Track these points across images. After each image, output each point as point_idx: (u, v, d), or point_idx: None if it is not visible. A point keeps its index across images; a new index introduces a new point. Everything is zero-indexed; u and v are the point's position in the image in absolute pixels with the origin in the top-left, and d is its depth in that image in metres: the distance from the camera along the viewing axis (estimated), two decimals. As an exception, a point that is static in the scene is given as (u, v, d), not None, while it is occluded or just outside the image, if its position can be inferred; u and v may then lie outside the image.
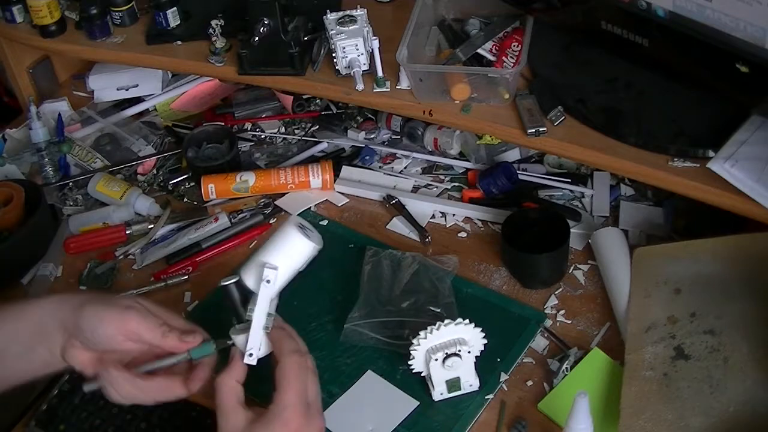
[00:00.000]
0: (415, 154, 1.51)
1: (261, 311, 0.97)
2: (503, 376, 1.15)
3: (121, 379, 0.97)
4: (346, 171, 1.49)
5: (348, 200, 1.46)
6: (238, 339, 0.98)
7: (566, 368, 1.14)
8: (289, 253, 0.98)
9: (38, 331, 0.99)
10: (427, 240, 1.36)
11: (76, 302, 0.99)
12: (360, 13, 1.33)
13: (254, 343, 0.96)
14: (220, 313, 1.28)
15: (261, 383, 0.96)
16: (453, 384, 1.12)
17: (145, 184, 1.53)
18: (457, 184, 1.46)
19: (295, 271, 1.00)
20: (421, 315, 1.20)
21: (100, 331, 0.97)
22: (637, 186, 1.40)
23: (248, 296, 0.98)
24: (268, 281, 0.96)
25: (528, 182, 1.42)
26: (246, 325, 0.97)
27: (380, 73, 1.31)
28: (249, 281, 0.98)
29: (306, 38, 1.38)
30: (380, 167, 1.51)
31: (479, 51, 1.34)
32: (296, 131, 1.61)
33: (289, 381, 0.93)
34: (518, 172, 1.43)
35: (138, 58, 1.50)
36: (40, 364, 1.01)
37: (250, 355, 0.96)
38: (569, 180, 1.41)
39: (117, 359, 0.99)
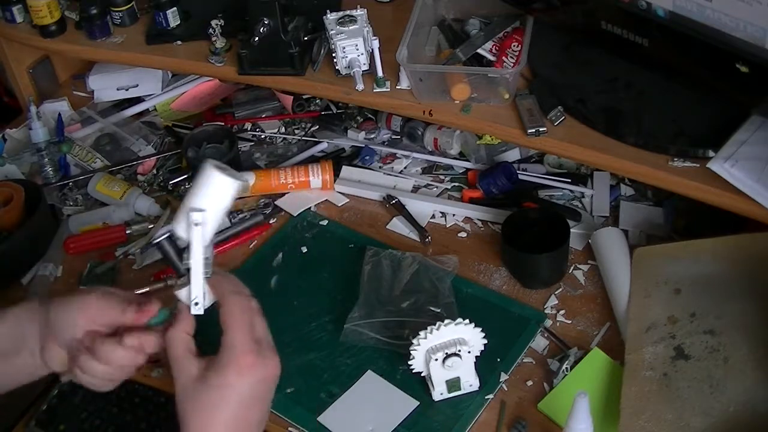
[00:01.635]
0: (415, 154, 1.51)
1: (197, 257, 0.94)
2: (503, 376, 1.15)
3: (89, 361, 0.97)
4: (346, 171, 1.49)
5: (348, 200, 1.46)
6: (181, 293, 0.96)
7: (566, 368, 1.14)
8: (212, 193, 0.95)
9: (19, 336, 0.99)
10: (427, 240, 1.36)
11: (47, 302, 1.00)
12: (360, 13, 1.33)
13: (197, 291, 0.95)
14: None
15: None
16: (453, 384, 1.12)
17: (145, 184, 1.54)
18: (457, 184, 1.46)
19: (224, 210, 0.96)
20: (421, 315, 1.20)
21: (67, 321, 0.97)
22: (637, 186, 1.40)
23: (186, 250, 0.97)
24: (196, 224, 0.93)
25: (528, 182, 1.42)
26: (187, 277, 0.96)
27: (380, 73, 1.31)
28: (180, 230, 0.95)
29: (306, 38, 1.38)
30: (380, 167, 1.51)
31: (479, 51, 1.34)
32: (296, 131, 1.61)
33: (233, 321, 0.91)
34: (518, 172, 1.43)
35: (138, 58, 1.50)
36: (24, 370, 1.01)
37: (196, 304, 0.95)
38: (569, 180, 1.41)
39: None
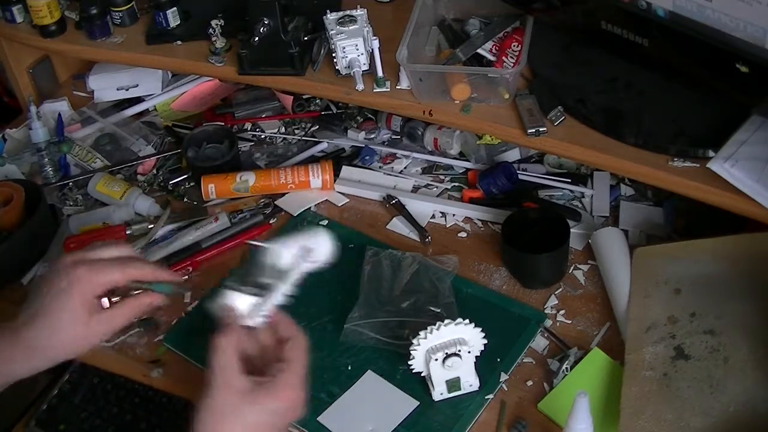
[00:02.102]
0: (415, 154, 1.51)
1: (288, 283, 1.01)
2: (503, 376, 1.15)
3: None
4: (346, 171, 1.49)
5: (348, 200, 1.46)
6: (239, 298, 1.00)
7: (566, 368, 1.14)
8: (321, 249, 1.04)
9: None
10: (427, 240, 1.36)
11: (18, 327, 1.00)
12: (360, 13, 1.33)
13: (268, 310, 1.00)
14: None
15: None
16: (453, 384, 1.12)
17: (145, 184, 1.54)
18: (457, 184, 1.46)
19: (313, 266, 1.05)
20: (421, 315, 1.20)
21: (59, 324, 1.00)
22: (637, 186, 1.40)
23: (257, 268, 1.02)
24: (308, 261, 1.02)
25: (528, 182, 1.42)
26: (257, 291, 1.00)
27: (380, 73, 1.31)
28: (286, 257, 1.02)
29: (306, 38, 1.38)
30: (380, 167, 1.51)
31: (479, 51, 1.34)
32: (296, 131, 1.61)
33: (301, 356, 0.98)
34: (518, 172, 1.43)
35: (138, 58, 1.50)
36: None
37: (264, 316, 1.00)
38: (569, 180, 1.41)
39: None
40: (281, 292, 1.01)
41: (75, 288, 0.98)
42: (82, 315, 0.99)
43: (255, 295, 1.00)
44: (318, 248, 1.04)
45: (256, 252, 1.03)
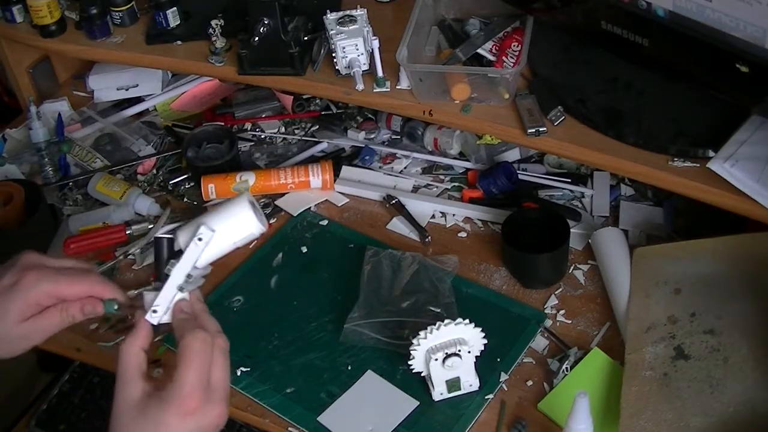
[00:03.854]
0: (415, 154, 1.51)
1: (181, 269, 0.90)
2: (503, 376, 1.15)
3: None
4: (346, 171, 1.49)
5: (348, 200, 1.46)
6: (148, 295, 0.91)
7: (566, 368, 1.14)
8: (233, 223, 0.92)
9: None
10: (427, 240, 1.36)
11: None
12: (360, 13, 1.33)
13: (163, 300, 0.90)
14: (221, 313, 1.28)
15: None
16: (453, 384, 1.12)
17: (145, 184, 1.54)
18: (457, 184, 1.46)
19: (232, 245, 0.93)
20: (421, 315, 1.20)
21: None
22: (637, 186, 1.40)
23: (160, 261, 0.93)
24: (199, 239, 0.90)
25: (528, 182, 1.42)
26: (162, 283, 0.91)
27: (380, 73, 1.31)
28: (181, 238, 0.92)
29: (306, 38, 1.38)
30: (380, 167, 1.51)
31: (479, 51, 1.34)
32: (296, 131, 1.61)
33: (189, 358, 0.85)
34: (518, 172, 1.43)
35: (138, 58, 1.50)
36: None
37: (154, 311, 0.90)
38: (569, 180, 1.41)
39: None
40: (175, 282, 0.90)
41: (17, 291, 0.92)
42: (15, 318, 0.92)
43: (156, 289, 0.91)
44: (226, 221, 0.92)
45: (157, 243, 0.93)
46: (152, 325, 0.90)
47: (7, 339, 0.93)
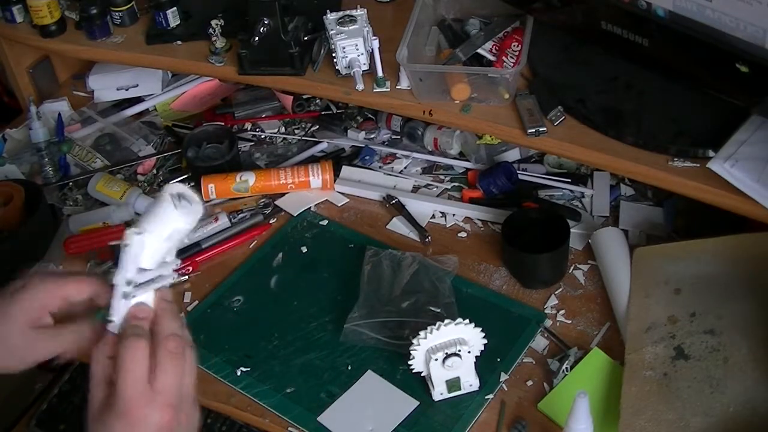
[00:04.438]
0: (415, 154, 1.51)
1: (119, 277, 0.87)
2: (503, 376, 1.15)
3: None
4: (346, 171, 1.49)
5: (348, 200, 1.46)
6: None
7: (566, 368, 1.14)
8: (157, 220, 0.89)
9: None
10: (427, 240, 1.36)
11: None
12: (360, 13, 1.33)
13: (116, 310, 0.87)
14: (221, 312, 1.28)
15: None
16: (453, 384, 1.12)
17: (145, 184, 1.54)
18: (457, 184, 1.46)
19: (169, 240, 0.91)
20: (421, 315, 1.20)
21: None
22: (637, 186, 1.40)
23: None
24: (125, 244, 0.87)
25: (528, 182, 1.42)
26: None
27: (380, 73, 1.31)
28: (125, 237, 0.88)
29: (306, 38, 1.38)
30: (380, 167, 1.51)
31: (479, 51, 1.34)
32: (296, 131, 1.61)
33: (122, 368, 0.82)
34: (518, 172, 1.43)
35: (138, 58, 1.50)
36: None
37: (111, 321, 0.87)
38: (569, 180, 1.41)
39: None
40: (121, 288, 0.87)
41: (23, 293, 0.91)
42: (20, 322, 0.90)
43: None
44: (153, 219, 0.89)
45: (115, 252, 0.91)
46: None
47: (11, 348, 0.91)
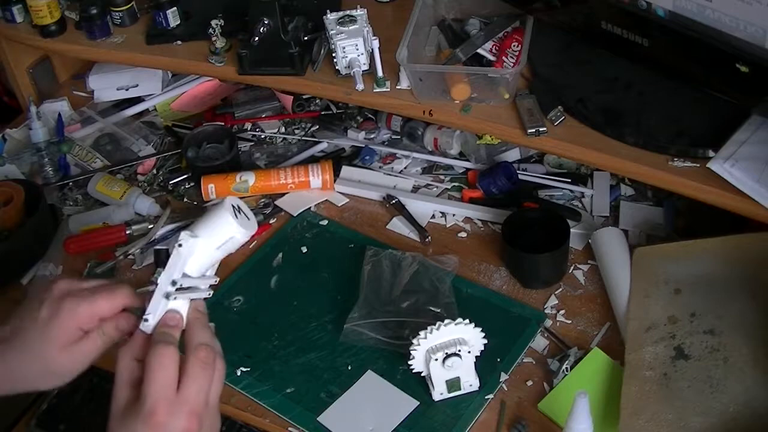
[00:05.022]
0: (415, 154, 1.51)
1: (165, 276, 0.89)
2: (503, 376, 1.15)
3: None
4: (346, 171, 1.49)
5: (348, 200, 1.46)
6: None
7: (566, 368, 1.14)
8: (213, 227, 0.91)
9: None
10: (427, 240, 1.36)
11: None
12: (360, 13, 1.33)
13: (154, 309, 0.89)
14: (221, 312, 1.28)
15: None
16: (453, 384, 1.12)
17: (145, 184, 1.53)
18: (457, 184, 1.46)
19: (219, 251, 0.93)
20: (421, 315, 1.20)
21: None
22: (637, 186, 1.40)
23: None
24: (179, 245, 0.89)
25: (528, 182, 1.42)
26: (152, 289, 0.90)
27: (380, 73, 1.31)
28: (171, 246, 0.91)
29: (306, 38, 1.38)
30: (380, 167, 1.51)
31: (479, 51, 1.34)
32: (296, 131, 1.61)
33: (151, 373, 0.84)
34: (518, 172, 1.43)
35: (138, 58, 1.50)
36: None
37: (146, 320, 0.89)
38: (569, 180, 1.41)
39: None
40: (164, 288, 0.89)
41: (57, 320, 0.91)
42: (59, 347, 0.91)
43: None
44: (207, 227, 0.91)
45: (155, 254, 0.93)
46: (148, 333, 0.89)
47: (54, 369, 0.93)
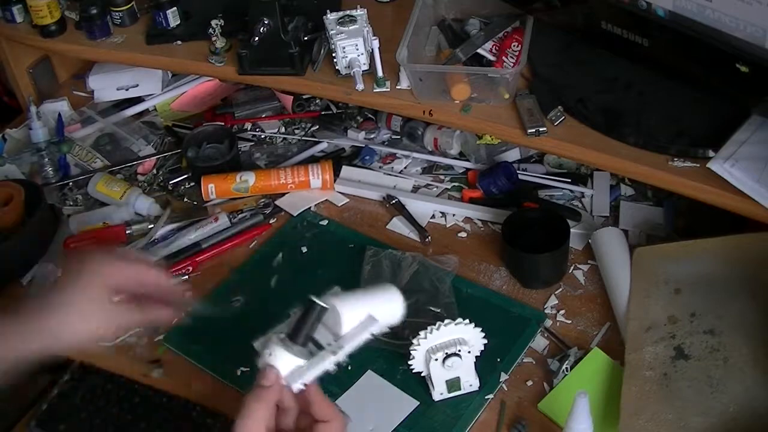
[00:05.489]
0: (415, 154, 1.51)
1: (342, 354, 0.92)
2: (503, 376, 1.15)
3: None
4: (346, 171, 1.49)
5: (348, 200, 1.46)
6: (285, 357, 0.90)
7: (566, 368, 1.14)
8: (390, 314, 0.98)
9: None
10: (427, 240, 1.36)
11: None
12: (360, 13, 1.33)
13: (312, 377, 0.90)
14: (223, 312, 1.28)
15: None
16: (453, 384, 1.12)
17: (145, 184, 1.53)
18: (457, 184, 1.46)
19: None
20: (421, 315, 1.20)
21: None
22: (637, 186, 1.40)
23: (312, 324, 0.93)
24: (372, 335, 0.94)
25: (528, 182, 1.42)
26: (306, 351, 0.92)
27: (380, 73, 1.31)
28: (345, 320, 0.92)
29: (306, 38, 1.38)
30: (380, 167, 1.51)
31: (479, 51, 1.34)
32: (296, 131, 1.61)
33: None
34: (518, 172, 1.43)
35: (138, 58, 1.50)
36: None
37: (303, 384, 0.90)
38: (569, 180, 1.41)
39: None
40: (333, 360, 0.91)
41: (99, 271, 0.97)
42: (100, 298, 0.96)
43: (303, 356, 0.90)
44: (384, 314, 0.96)
45: (316, 307, 0.92)
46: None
47: (89, 313, 0.96)
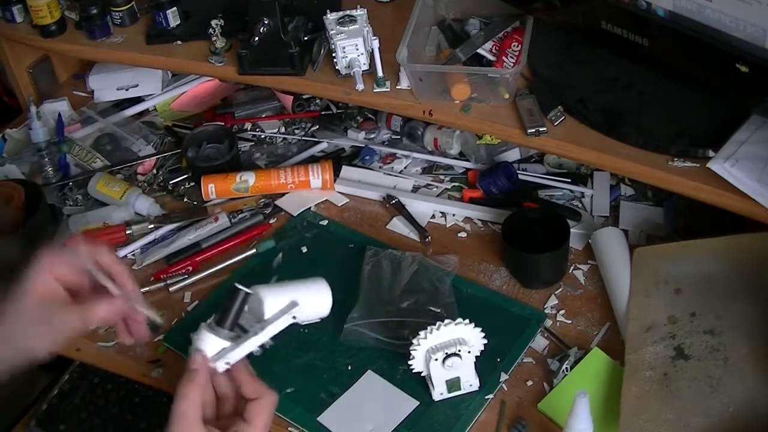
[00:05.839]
0: (415, 154, 1.51)
1: (264, 336, 0.97)
2: (503, 376, 1.15)
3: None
4: (346, 171, 1.49)
5: (348, 200, 1.46)
6: (210, 340, 0.96)
7: (566, 368, 1.14)
8: (316, 304, 1.02)
9: None
10: (427, 240, 1.36)
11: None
12: (360, 13, 1.33)
13: (236, 357, 0.96)
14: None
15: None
16: (453, 384, 1.12)
17: (145, 184, 1.53)
18: (457, 184, 1.46)
19: (300, 321, 1.03)
20: (421, 315, 1.20)
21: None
22: (637, 186, 1.40)
23: (241, 310, 0.97)
24: (294, 317, 0.99)
25: (528, 182, 1.42)
26: (232, 334, 0.97)
27: (380, 73, 1.31)
28: (268, 306, 0.99)
29: (306, 38, 1.38)
30: (380, 167, 1.51)
31: (479, 51, 1.34)
32: (296, 131, 1.61)
33: (262, 421, 0.94)
34: (518, 172, 1.43)
35: (138, 58, 1.50)
36: None
37: (227, 363, 0.95)
38: (569, 180, 1.41)
39: None
40: (257, 343, 0.97)
41: (36, 271, 0.94)
42: (37, 299, 0.93)
43: (229, 339, 0.96)
44: (310, 304, 1.02)
45: (240, 293, 0.97)
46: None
47: (32, 323, 0.93)
